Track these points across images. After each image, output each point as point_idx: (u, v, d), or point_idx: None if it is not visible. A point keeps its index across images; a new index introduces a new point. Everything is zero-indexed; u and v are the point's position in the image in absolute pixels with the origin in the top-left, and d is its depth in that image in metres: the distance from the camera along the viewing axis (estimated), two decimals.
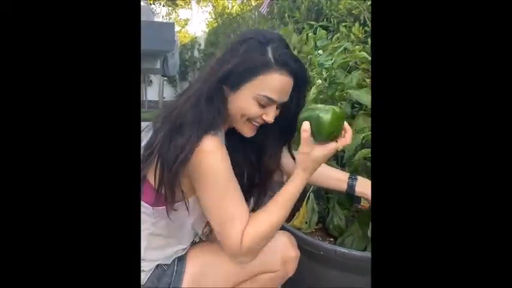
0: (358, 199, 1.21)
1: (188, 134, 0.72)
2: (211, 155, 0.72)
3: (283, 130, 0.87)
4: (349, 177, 0.98)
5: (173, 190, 0.74)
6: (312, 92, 0.99)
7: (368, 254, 0.89)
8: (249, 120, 0.80)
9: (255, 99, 0.76)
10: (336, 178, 0.99)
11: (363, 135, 0.98)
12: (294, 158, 0.93)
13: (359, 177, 0.99)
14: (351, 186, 0.97)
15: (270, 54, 0.74)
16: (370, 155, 0.99)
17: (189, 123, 0.73)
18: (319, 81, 0.99)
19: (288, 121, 0.83)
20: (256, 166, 0.91)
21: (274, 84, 0.75)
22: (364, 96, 0.94)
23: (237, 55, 0.75)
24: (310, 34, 1.36)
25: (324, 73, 1.00)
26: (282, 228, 1.01)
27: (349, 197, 1.10)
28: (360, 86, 1.01)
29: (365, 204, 1.19)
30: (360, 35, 1.68)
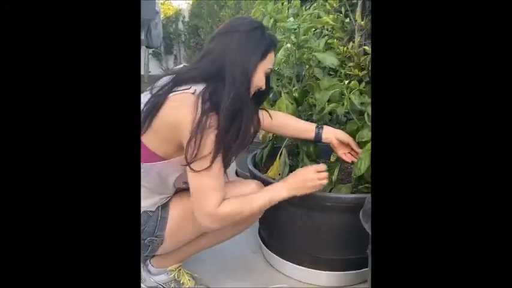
0: (327, 154, 1.36)
1: (248, 115, 0.89)
2: None
3: (259, 94, 1.02)
4: (316, 127, 1.13)
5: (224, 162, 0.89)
6: (281, 54, 1.10)
7: (329, 194, 1.04)
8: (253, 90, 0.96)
9: (265, 72, 0.95)
10: (304, 128, 1.15)
11: (330, 92, 1.10)
12: (269, 113, 1.13)
13: (325, 126, 1.13)
14: (318, 134, 1.13)
15: (269, 39, 0.95)
16: (335, 109, 1.12)
17: (245, 107, 0.88)
18: (288, 45, 1.09)
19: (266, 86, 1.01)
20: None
21: (273, 58, 0.98)
22: (328, 58, 1.05)
23: (258, 40, 0.92)
24: (285, 3, 1.45)
25: (292, 38, 1.11)
26: (257, 178, 1.15)
27: (317, 151, 1.25)
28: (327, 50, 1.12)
29: (334, 159, 1.34)
30: (335, 4, 1.78)
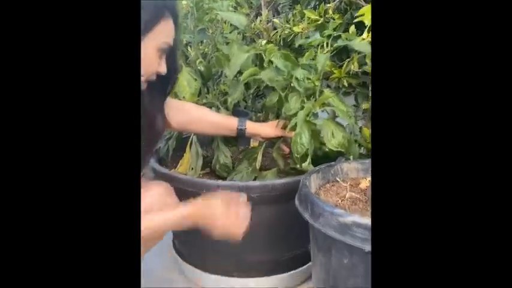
0: (245, 140, 1.17)
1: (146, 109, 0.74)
2: None
3: (161, 82, 0.77)
4: (238, 122, 0.96)
5: None
6: None
7: (253, 182, 0.84)
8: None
9: (159, 49, 0.70)
10: (223, 124, 0.96)
11: (245, 55, 0.90)
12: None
13: (248, 122, 0.96)
14: (241, 132, 0.96)
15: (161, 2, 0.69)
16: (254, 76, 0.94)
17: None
18: (184, 1, 0.87)
19: (168, 68, 0.75)
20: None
21: (169, 29, 0.71)
22: (235, 18, 0.86)
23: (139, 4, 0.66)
24: None
25: None
26: (165, 177, 0.91)
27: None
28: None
29: (255, 144, 1.15)
30: None
